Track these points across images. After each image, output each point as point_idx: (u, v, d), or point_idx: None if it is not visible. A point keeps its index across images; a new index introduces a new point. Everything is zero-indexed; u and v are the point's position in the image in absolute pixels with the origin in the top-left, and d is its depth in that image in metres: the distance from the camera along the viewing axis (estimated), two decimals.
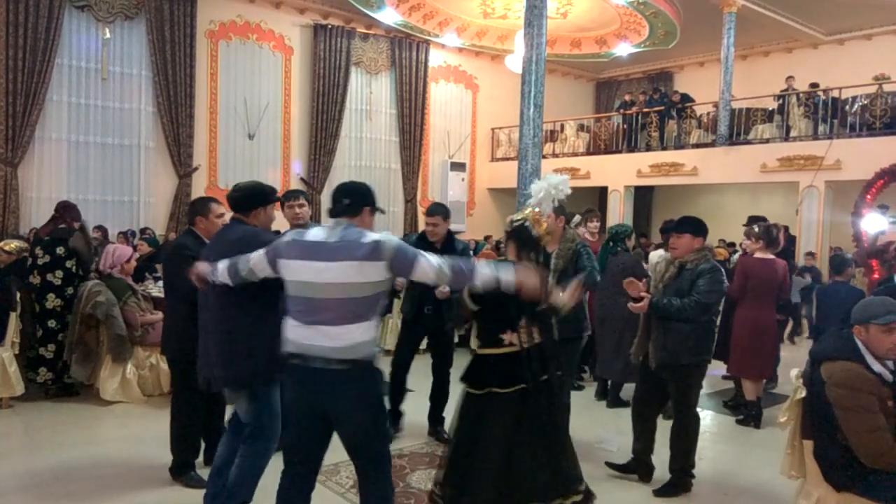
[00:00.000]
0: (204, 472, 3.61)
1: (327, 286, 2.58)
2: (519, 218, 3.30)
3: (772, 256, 5.45)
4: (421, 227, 14.44)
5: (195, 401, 3.78)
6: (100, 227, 10.16)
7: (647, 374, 4.01)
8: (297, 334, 2.64)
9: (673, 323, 3.78)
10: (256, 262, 2.83)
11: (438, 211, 4.63)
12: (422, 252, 2.67)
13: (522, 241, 3.24)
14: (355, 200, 2.73)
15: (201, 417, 3.89)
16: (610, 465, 4.30)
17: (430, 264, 2.62)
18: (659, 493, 3.97)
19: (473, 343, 3.32)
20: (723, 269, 3.96)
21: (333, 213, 2.74)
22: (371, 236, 2.61)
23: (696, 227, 3.93)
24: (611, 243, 5.94)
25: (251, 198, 3.33)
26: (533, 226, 3.26)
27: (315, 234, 2.71)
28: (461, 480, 3.14)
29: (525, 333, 3.15)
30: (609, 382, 6.02)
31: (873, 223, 9.09)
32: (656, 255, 5.94)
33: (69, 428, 4.81)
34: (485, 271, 2.66)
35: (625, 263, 5.69)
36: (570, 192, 3.69)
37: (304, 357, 2.61)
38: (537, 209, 3.45)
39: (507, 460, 3.05)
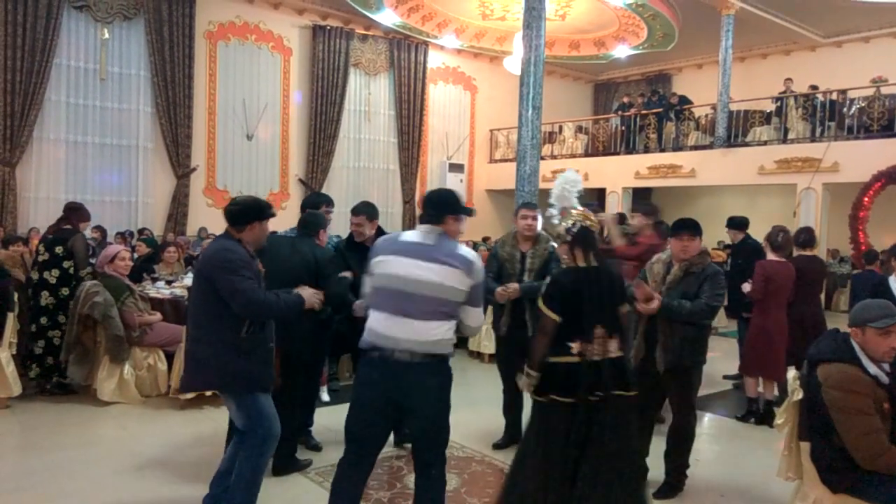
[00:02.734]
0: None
1: (422, 283, 2.73)
2: (572, 222, 3.22)
3: (784, 259, 5.44)
4: None
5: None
6: (99, 228, 10.15)
7: (646, 377, 4.01)
8: (383, 325, 2.76)
9: (678, 325, 3.77)
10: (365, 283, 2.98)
11: (363, 210, 4.43)
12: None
13: (588, 242, 3.17)
14: (437, 211, 2.89)
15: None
16: None
17: (482, 316, 2.93)
18: (658, 494, 3.97)
19: None
20: (723, 273, 3.97)
21: (423, 220, 2.92)
22: (467, 252, 2.83)
23: (699, 229, 3.92)
24: None
25: (248, 212, 3.32)
26: (590, 225, 3.24)
27: (410, 236, 2.90)
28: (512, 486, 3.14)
29: (599, 345, 3.03)
30: None
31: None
32: None
33: (66, 428, 4.80)
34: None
35: (618, 264, 5.71)
36: (581, 187, 3.65)
37: (388, 349, 2.74)
38: (574, 210, 3.41)
39: (565, 474, 2.94)
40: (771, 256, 5.41)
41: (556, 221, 3.38)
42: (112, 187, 11.36)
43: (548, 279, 3.64)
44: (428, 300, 2.73)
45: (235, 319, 3.14)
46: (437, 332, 2.74)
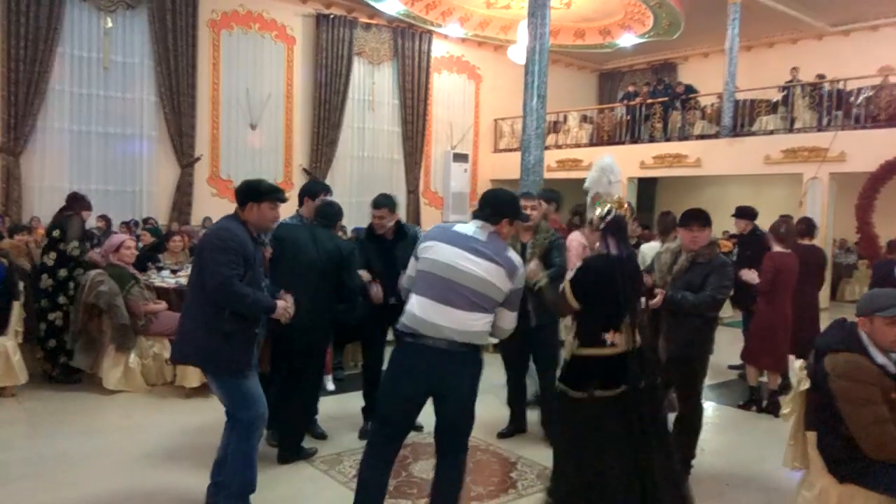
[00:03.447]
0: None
1: (470, 275, 2.76)
2: (606, 211, 3.11)
3: (789, 250, 5.41)
4: (424, 217, 14.45)
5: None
6: (103, 217, 10.17)
7: None
8: (426, 311, 2.78)
9: (683, 317, 3.75)
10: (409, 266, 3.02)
11: (384, 202, 4.39)
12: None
13: (621, 230, 3.09)
14: (494, 211, 2.90)
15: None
16: None
17: (515, 319, 2.94)
18: None
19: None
20: (731, 265, 3.96)
21: (478, 216, 2.93)
22: (515, 257, 2.87)
23: (709, 219, 3.89)
24: None
25: (243, 192, 3.33)
26: (624, 213, 3.11)
27: (463, 228, 2.91)
28: (585, 494, 2.93)
29: (628, 334, 2.97)
30: None
31: None
32: (649, 248, 5.81)
33: (72, 417, 4.82)
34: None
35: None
36: (619, 175, 3.56)
37: (428, 336, 2.76)
38: (608, 197, 3.28)
39: (635, 471, 2.86)
40: (776, 248, 5.38)
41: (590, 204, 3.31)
42: (116, 177, 11.37)
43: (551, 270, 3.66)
44: (472, 292, 2.76)
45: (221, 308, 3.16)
46: (478, 324, 2.78)
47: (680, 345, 3.79)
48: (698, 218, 3.82)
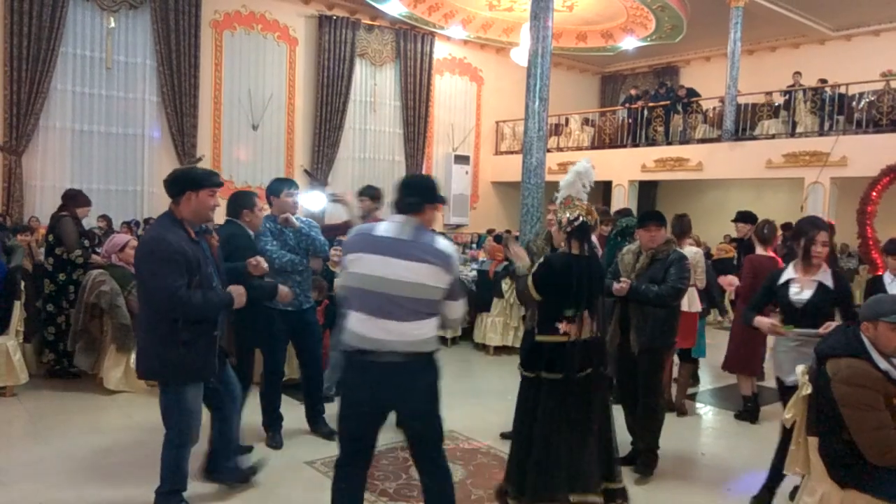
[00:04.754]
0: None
1: (404, 284, 2.62)
2: (575, 216, 3.39)
3: (772, 254, 5.42)
4: None
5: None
6: (104, 217, 10.18)
7: (623, 363, 4.21)
8: (366, 328, 2.64)
9: (650, 309, 4.04)
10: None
11: (365, 192, 4.76)
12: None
13: (585, 235, 3.42)
14: (420, 199, 2.77)
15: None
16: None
17: (464, 308, 2.86)
18: (641, 477, 4.09)
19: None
20: (687, 258, 4.22)
21: (400, 210, 2.75)
22: (444, 245, 2.73)
23: (664, 219, 4.24)
24: (618, 238, 5.93)
25: (178, 181, 3.15)
26: (590, 220, 3.43)
27: (385, 229, 2.72)
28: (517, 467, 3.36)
29: (581, 326, 3.30)
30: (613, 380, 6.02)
31: (310, 199, 6.72)
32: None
33: (73, 417, 4.82)
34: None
35: None
36: (593, 180, 3.76)
37: (374, 352, 2.64)
38: (579, 202, 3.53)
39: (547, 443, 3.26)
40: (759, 250, 5.41)
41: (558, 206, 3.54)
42: (118, 176, 11.37)
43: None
44: (409, 301, 2.63)
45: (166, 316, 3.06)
46: (422, 332, 2.66)
47: (648, 335, 4.06)
48: (654, 219, 4.19)
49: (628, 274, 4.16)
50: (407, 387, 2.68)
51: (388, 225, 2.74)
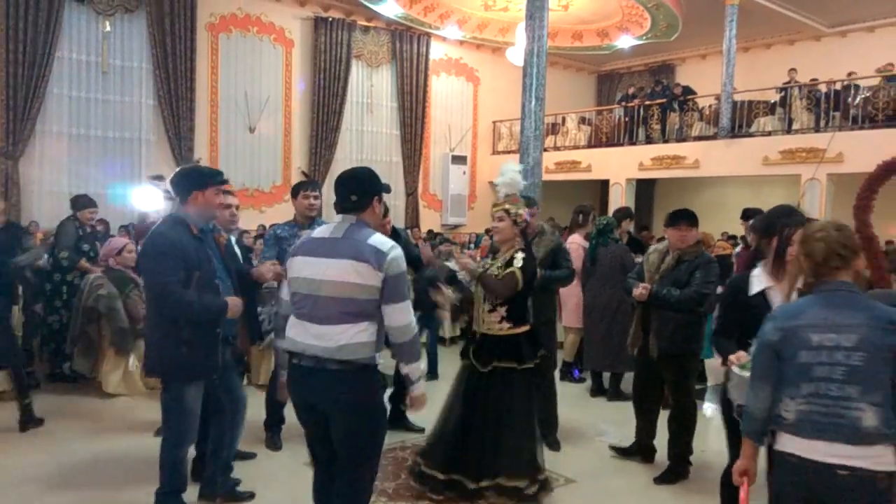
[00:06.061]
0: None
1: (323, 283, 2.52)
2: (516, 210, 3.69)
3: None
4: (423, 219, 14.46)
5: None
6: (102, 221, 10.15)
7: (645, 363, 4.10)
8: (294, 332, 2.60)
9: (670, 313, 3.87)
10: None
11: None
12: (410, 301, 2.61)
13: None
14: (363, 195, 2.63)
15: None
16: (614, 448, 4.47)
17: (409, 315, 2.56)
18: (658, 480, 4.03)
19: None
20: (717, 263, 4.08)
21: (340, 210, 2.64)
22: (380, 241, 2.53)
23: (696, 219, 4.03)
24: (600, 237, 5.97)
25: (184, 181, 3.17)
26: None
27: (322, 230, 2.70)
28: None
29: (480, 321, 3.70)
30: (609, 376, 6.04)
31: (146, 199, 5.60)
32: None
33: (71, 421, 4.82)
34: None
35: (613, 254, 5.79)
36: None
37: (299, 356, 2.57)
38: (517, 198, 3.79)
39: (462, 429, 3.60)
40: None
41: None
42: (115, 180, 11.34)
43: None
44: (329, 301, 2.49)
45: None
46: (342, 337, 2.47)
47: (668, 341, 3.90)
48: (686, 218, 3.98)
49: (652, 275, 4.00)
50: (324, 393, 2.54)
51: (325, 227, 2.73)
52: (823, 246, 2.19)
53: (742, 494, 2.31)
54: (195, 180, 3.18)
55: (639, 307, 4.04)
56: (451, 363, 4.72)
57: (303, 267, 2.59)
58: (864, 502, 2.07)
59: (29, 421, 4.62)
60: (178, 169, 3.35)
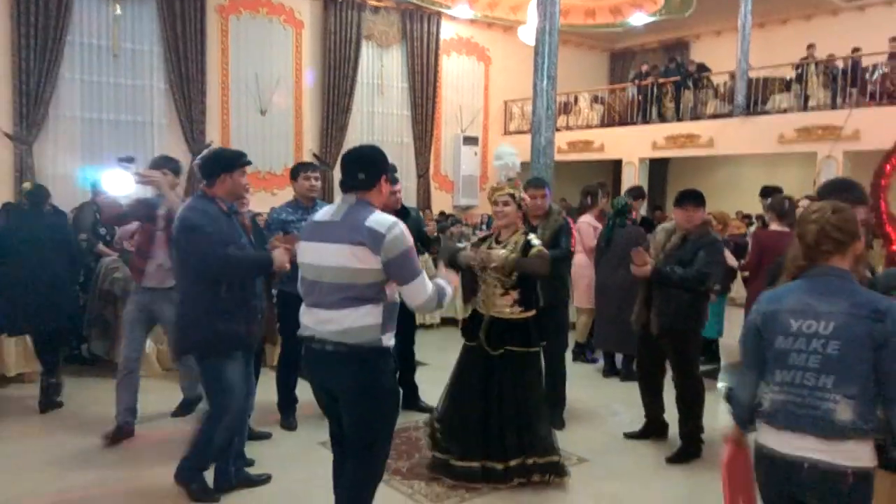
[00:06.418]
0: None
1: (323, 269, 2.52)
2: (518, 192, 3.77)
3: (787, 229, 5.37)
4: (434, 201, 14.43)
5: None
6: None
7: (647, 341, 4.19)
8: (305, 318, 2.63)
9: (673, 291, 3.94)
10: None
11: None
12: (424, 274, 2.54)
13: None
14: (370, 173, 2.57)
15: None
16: (628, 434, 4.49)
17: (425, 287, 2.52)
18: (671, 460, 4.06)
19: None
20: (722, 243, 4.19)
21: (346, 187, 2.59)
22: (377, 221, 2.46)
23: (703, 200, 4.08)
24: (617, 218, 5.95)
25: (214, 165, 3.28)
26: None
27: (324, 212, 2.66)
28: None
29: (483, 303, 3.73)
30: (622, 357, 6.05)
31: (115, 182, 4.88)
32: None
33: (89, 403, 4.89)
34: (448, 291, 2.70)
35: (629, 235, 5.76)
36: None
37: (309, 339, 2.60)
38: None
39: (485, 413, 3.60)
40: (774, 226, 5.34)
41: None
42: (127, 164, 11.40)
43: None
44: (331, 287, 2.49)
45: (211, 282, 3.15)
46: (346, 321, 2.46)
47: (670, 317, 3.97)
48: (692, 198, 4.03)
49: (657, 253, 4.09)
50: (334, 375, 2.57)
51: (328, 208, 2.68)
52: (816, 228, 2.07)
53: (724, 482, 2.25)
54: (225, 163, 3.30)
55: (642, 285, 4.10)
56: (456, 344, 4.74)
57: (306, 252, 2.61)
58: (835, 499, 1.97)
59: (49, 403, 4.71)
60: (204, 152, 3.47)
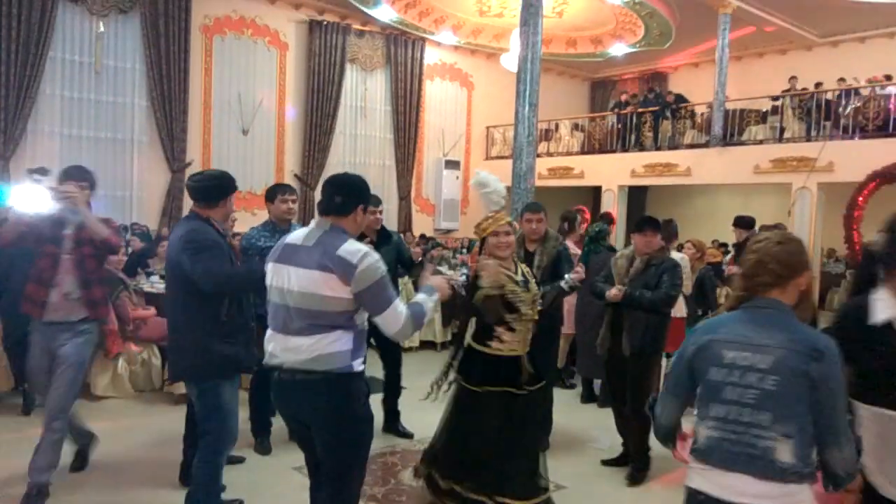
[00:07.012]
0: None
1: (293, 294, 2.44)
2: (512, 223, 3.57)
3: None
4: (416, 224, 14.46)
5: None
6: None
7: (614, 365, 4.29)
8: (271, 345, 2.54)
9: (640, 314, 4.10)
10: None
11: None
12: (398, 300, 2.48)
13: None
14: (349, 199, 2.52)
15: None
16: (605, 462, 4.54)
17: (398, 316, 2.44)
18: (631, 480, 4.18)
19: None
20: (681, 267, 4.34)
21: (322, 210, 2.54)
22: (348, 251, 2.39)
23: (660, 226, 4.31)
24: (592, 244, 6.02)
25: (220, 188, 3.25)
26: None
27: (297, 235, 2.57)
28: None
29: (503, 340, 3.38)
30: (599, 383, 6.07)
31: (27, 198, 3.79)
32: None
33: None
34: (428, 307, 2.58)
35: (605, 261, 5.81)
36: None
37: (277, 367, 2.51)
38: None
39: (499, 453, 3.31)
40: None
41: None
42: (106, 181, 11.29)
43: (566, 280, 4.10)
44: (300, 314, 2.42)
45: (213, 305, 3.10)
46: (316, 347, 2.40)
47: (639, 340, 4.12)
48: (651, 224, 4.25)
49: (622, 278, 4.20)
50: (304, 404, 2.49)
51: (301, 231, 2.60)
52: (755, 259, 1.98)
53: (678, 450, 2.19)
54: (227, 187, 3.29)
55: (608, 309, 4.23)
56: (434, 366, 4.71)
57: (276, 274, 2.52)
58: None
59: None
60: (202, 174, 3.36)
